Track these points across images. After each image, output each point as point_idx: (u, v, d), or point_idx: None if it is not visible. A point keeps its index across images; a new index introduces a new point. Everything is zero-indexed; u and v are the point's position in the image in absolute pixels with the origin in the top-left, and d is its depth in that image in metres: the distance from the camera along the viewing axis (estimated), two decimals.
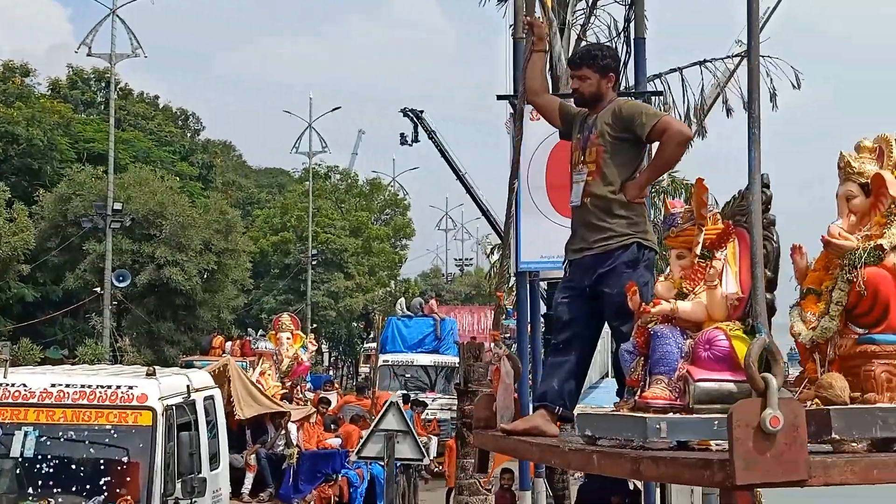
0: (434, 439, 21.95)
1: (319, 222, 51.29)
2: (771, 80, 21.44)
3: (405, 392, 24.08)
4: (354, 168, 66.13)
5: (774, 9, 23.06)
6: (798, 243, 4.18)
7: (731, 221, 4.46)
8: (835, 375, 3.58)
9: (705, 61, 21.54)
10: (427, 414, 23.94)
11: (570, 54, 18.56)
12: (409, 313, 30.83)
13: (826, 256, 4.01)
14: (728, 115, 24.22)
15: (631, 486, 15.75)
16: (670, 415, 4.10)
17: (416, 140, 31.10)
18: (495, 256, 32.00)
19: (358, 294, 51.22)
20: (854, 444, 3.48)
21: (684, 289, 4.42)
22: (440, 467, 22.66)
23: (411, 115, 28.79)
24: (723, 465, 3.21)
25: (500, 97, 12.21)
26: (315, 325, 47.11)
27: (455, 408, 18.74)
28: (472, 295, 62.77)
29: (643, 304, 4.62)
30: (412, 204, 66.67)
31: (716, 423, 4.07)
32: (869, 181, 3.88)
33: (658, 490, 12.33)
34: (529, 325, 11.72)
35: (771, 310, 4.29)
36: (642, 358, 4.44)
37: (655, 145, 5.48)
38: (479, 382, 14.91)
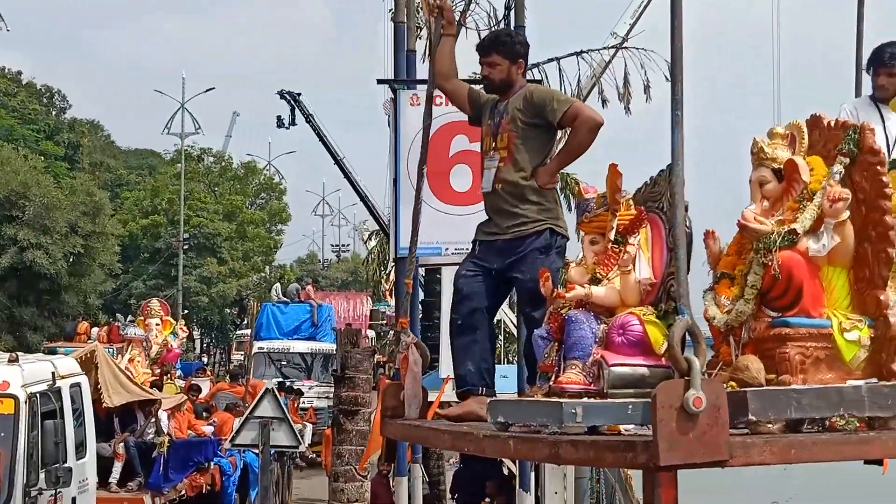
0: (309, 426, 21.76)
1: (192, 205, 50.19)
2: (645, 72, 22.01)
3: (280, 380, 23.77)
4: (228, 151, 64.97)
5: (649, 2, 23.63)
6: (711, 228, 4.23)
7: (644, 207, 4.50)
8: (751, 358, 3.62)
9: (582, 52, 21.87)
10: (304, 402, 23.71)
11: None
12: (284, 299, 30.41)
13: (739, 241, 4.06)
14: (604, 106, 24.53)
15: (505, 472, 15.96)
16: (585, 399, 4.11)
17: (293, 123, 30.66)
18: (373, 242, 31.89)
19: (231, 280, 50.32)
20: (770, 426, 3.52)
21: (598, 274, 4.43)
22: (316, 456, 22.48)
23: (288, 98, 28.40)
24: (646, 447, 3.22)
25: (380, 81, 12.03)
26: (186, 311, 46.22)
27: (332, 395, 18.62)
28: (349, 281, 62.49)
29: (556, 289, 4.63)
30: (288, 188, 65.85)
31: (630, 407, 4.10)
32: (782, 167, 3.93)
33: (532, 474, 12.48)
34: None
35: None
36: (556, 343, 4.45)
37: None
38: (356, 369, 14.86)
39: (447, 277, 15.95)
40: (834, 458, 3.40)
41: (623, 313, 4.31)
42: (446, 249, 9.81)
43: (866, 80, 6.24)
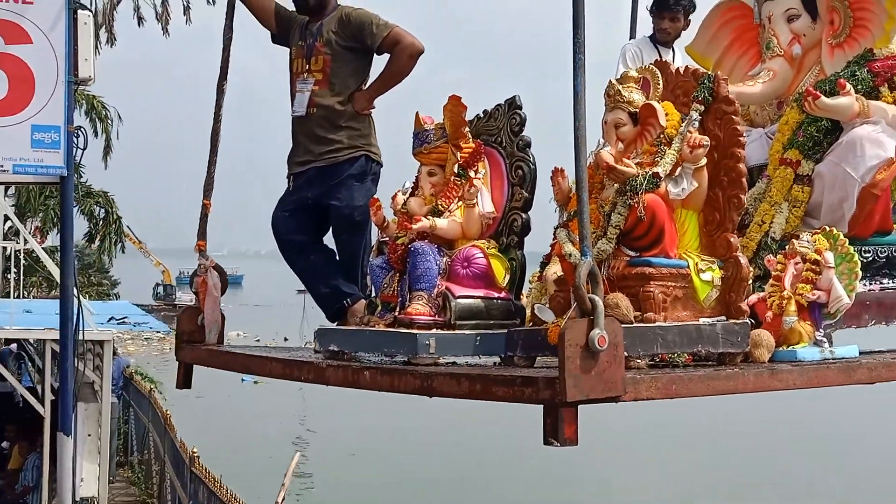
0: None
1: None
2: None
3: None
4: None
5: None
6: (560, 166, 4.30)
7: (480, 140, 4.51)
8: (619, 295, 3.73)
9: None
10: None
11: None
12: None
13: (589, 180, 4.15)
14: (140, 25, 23.99)
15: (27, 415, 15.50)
16: (435, 331, 4.12)
17: None
18: None
19: None
20: (638, 361, 3.68)
21: (439, 206, 4.41)
22: None
23: None
24: (550, 383, 3.26)
25: None
26: None
27: None
28: None
29: (386, 220, 4.58)
30: None
31: (478, 339, 4.16)
32: (637, 110, 4.06)
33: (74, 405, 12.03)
34: None
35: (526, 229, 4.43)
36: (396, 273, 4.40)
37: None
38: None
39: None
40: (708, 392, 3.59)
41: (466, 246, 4.34)
42: None
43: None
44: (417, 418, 23.43)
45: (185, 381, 5.26)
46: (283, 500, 12.46)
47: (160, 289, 76.39)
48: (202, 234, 5.28)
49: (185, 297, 73.56)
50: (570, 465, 20.29)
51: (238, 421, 26.39)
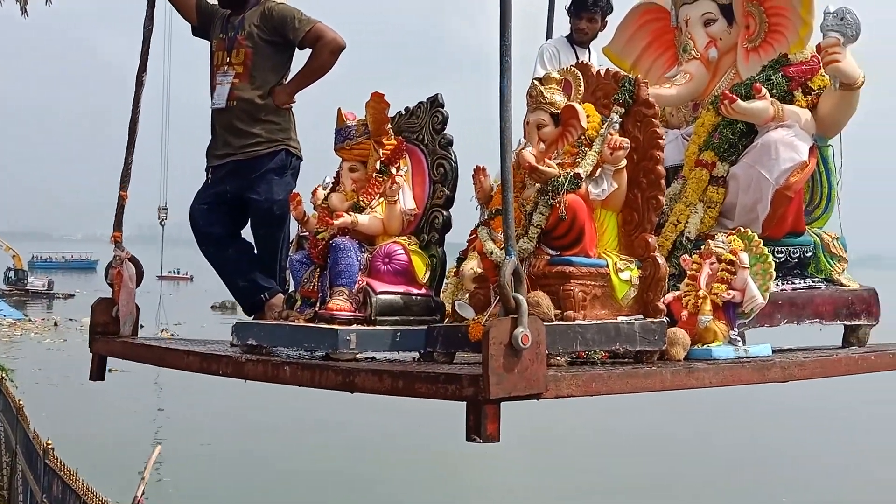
0: None
1: None
2: None
3: None
4: None
5: None
6: (481, 165, 4.33)
7: (402, 138, 4.52)
8: (540, 294, 3.77)
9: None
10: None
11: None
12: None
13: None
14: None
15: None
16: (355, 326, 4.12)
17: None
18: None
19: None
20: (558, 359, 3.73)
21: (361, 202, 4.42)
22: None
23: None
24: (474, 380, 3.28)
25: None
26: None
27: None
28: None
29: (307, 214, 4.57)
30: None
31: (398, 334, 4.18)
32: (559, 111, 4.10)
33: None
34: None
35: (447, 226, 4.46)
36: (317, 268, 4.39)
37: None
38: None
39: None
40: (627, 390, 3.64)
41: (387, 242, 4.36)
42: None
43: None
44: (283, 410, 23.21)
45: (98, 373, 5.19)
46: (143, 493, 12.21)
47: (11, 273, 74.63)
48: (118, 225, 5.22)
49: (37, 283, 71.84)
50: (447, 465, 20.28)
51: (94, 411, 25.74)
